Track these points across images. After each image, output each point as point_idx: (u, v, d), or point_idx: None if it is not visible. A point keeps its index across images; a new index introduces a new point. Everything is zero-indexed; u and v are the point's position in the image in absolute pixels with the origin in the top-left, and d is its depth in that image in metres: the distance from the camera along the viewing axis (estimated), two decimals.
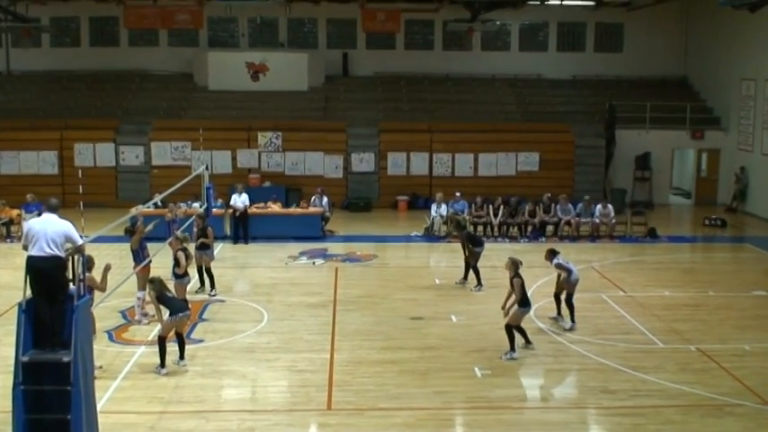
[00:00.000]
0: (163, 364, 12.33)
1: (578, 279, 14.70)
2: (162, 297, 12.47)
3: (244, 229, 22.48)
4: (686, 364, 13.00)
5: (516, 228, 23.58)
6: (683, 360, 13.16)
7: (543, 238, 23.05)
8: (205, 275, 16.91)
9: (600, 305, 16.06)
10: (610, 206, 23.86)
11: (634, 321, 15.15)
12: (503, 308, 13.59)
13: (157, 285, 12.48)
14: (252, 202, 23.24)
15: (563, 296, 14.85)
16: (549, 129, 30.10)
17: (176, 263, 14.58)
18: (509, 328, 13.13)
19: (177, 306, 12.54)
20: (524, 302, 13.32)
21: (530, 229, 23.44)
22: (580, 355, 13.35)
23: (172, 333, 12.45)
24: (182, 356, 12.60)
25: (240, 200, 22.58)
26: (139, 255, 14.85)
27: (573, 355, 13.36)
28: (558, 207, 23.59)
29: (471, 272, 17.79)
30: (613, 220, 23.50)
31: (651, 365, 12.82)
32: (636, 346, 13.83)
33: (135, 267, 14.74)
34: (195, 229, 17.47)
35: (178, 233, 15.62)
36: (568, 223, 23.39)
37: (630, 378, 12.30)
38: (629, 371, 12.57)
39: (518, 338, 13.25)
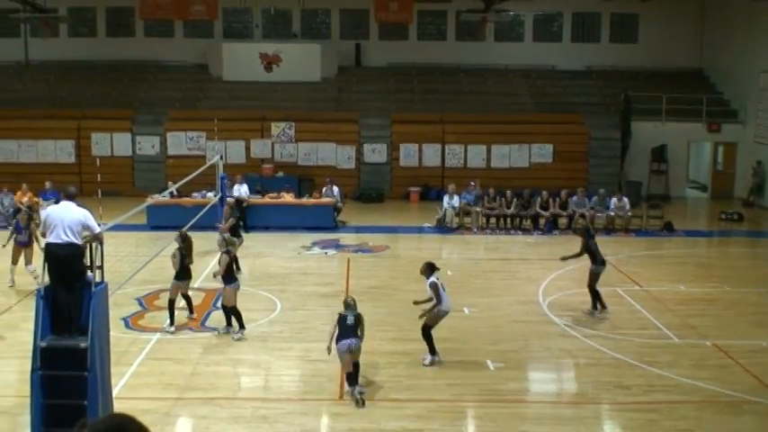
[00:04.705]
0: (242, 326, 13.43)
1: (447, 311, 12.53)
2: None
3: (243, 219, 22.47)
4: (702, 359, 12.93)
5: (529, 220, 23.54)
6: (698, 356, 13.08)
7: (556, 231, 23.03)
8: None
9: (615, 299, 16.00)
10: (625, 199, 23.77)
11: (649, 316, 15.10)
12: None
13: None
14: (265, 192, 23.28)
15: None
16: (562, 120, 30.03)
17: (226, 267, 13.60)
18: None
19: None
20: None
21: (543, 221, 23.39)
22: (594, 349, 13.32)
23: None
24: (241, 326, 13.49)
25: (241, 190, 22.63)
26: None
27: (587, 350, 13.33)
28: (574, 199, 23.50)
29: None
30: (629, 214, 23.41)
31: (666, 361, 12.76)
32: (651, 341, 13.77)
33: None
34: (223, 220, 17.90)
35: (226, 235, 14.75)
36: (582, 216, 23.32)
37: (645, 373, 12.25)
38: (644, 366, 12.51)
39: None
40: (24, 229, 16.74)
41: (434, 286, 12.29)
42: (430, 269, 12.52)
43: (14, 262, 16.59)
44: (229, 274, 13.57)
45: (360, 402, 10.88)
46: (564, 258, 15.59)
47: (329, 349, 11.23)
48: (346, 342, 11.13)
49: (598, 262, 14.95)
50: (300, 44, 32.29)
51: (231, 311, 13.46)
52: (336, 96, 31.77)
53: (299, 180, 27.35)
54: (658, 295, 16.56)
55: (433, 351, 12.37)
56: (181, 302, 14.47)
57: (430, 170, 29.26)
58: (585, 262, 15.30)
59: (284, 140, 29.22)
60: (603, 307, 14.99)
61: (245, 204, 22.49)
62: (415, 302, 12.77)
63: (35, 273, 15.57)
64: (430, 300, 12.36)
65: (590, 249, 14.98)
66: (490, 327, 14.42)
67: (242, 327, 13.39)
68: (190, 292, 14.61)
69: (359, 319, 11.47)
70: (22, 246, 16.57)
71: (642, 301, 16.07)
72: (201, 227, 18.19)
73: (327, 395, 11.32)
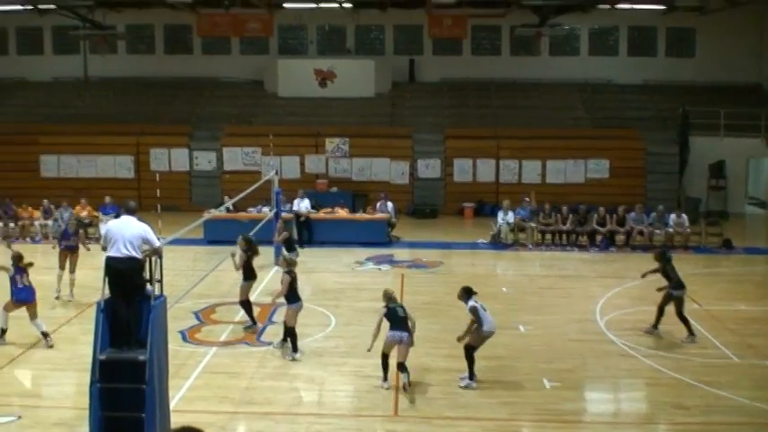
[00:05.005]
0: (295, 349, 13.30)
1: (491, 331, 12.25)
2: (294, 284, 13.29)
3: (308, 233, 22.74)
4: (762, 380, 12.59)
5: (586, 236, 23.24)
6: (759, 376, 12.75)
7: (613, 248, 22.70)
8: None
9: (674, 318, 15.64)
10: (684, 215, 23.33)
11: (708, 335, 14.72)
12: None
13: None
14: (319, 207, 23.44)
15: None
16: (619, 135, 29.73)
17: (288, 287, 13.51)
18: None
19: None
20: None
21: (599, 238, 23.08)
22: (653, 369, 13.04)
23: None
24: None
25: (302, 205, 22.86)
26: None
27: (645, 370, 13.06)
28: (632, 216, 23.15)
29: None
30: (687, 230, 22.98)
31: (726, 381, 12.42)
32: (710, 360, 13.44)
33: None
34: (276, 233, 18.11)
35: (288, 255, 14.77)
36: (641, 233, 22.94)
37: (704, 394, 11.95)
38: (704, 386, 12.21)
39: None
40: (73, 235, 17.03)
41: (474, 310, 12.11)
42: (467, 294, 12.30)
43: (62, 267, 16.88)
44: (292, 294, 13.49)
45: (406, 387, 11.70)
46: (644, 275, 15.32)
47: (371, 347, 11.85)
48: (398, 333, 11.77)
49: (675, 285, 14.60)
50: (354, 60, 32.50)
51: (290, 333, 13.42)
52: (390, 112, 31.86)
53: (352, 195, 27.46)
54: (717, 314, 16.17)
55: (472, 375, 12.18)
56: (239, 315, 14.58)
57: (484, 185, 29.13)
58: (650, 280, 15.04)
59: (338, 156, 29.40)
60: (691, 334, 14.45)
61: (302, 219, 22.68)
62: (459, 339, 12.39)
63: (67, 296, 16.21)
64: (480, 323, 12.17)
65: (667, 273, 14.69)
66: (546, 345, 14.22)
67: (294, 350, 13.37)
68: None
69: (405, 311, 12.08)
70: (69, 251, 16.86)
71: (701, 319, 15.66)
72: (257, 241, 18.28)
73: (382, 411, 11.27)
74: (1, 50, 34.01)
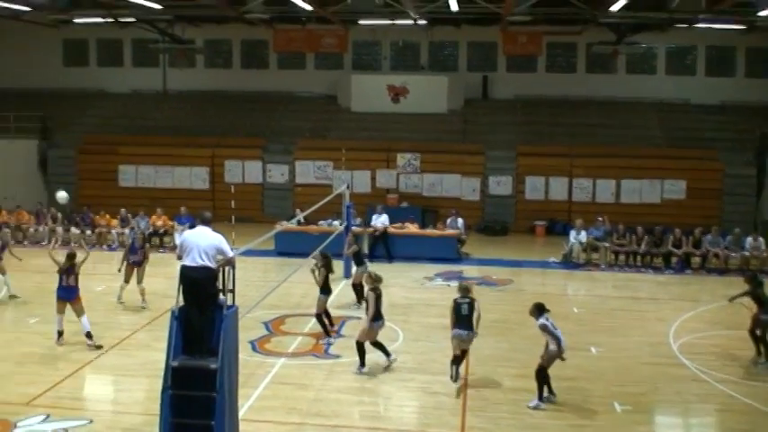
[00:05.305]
0: (363, 364, 13.22)
1: (560, 350, 11.98)
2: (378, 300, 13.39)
3: (386, 249, 22.83)
4: None
5: (660, 258, 22.75)
6: None
7: (689, 271, 22.18)
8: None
9: (749, 344, 15.18)
10: (761, 239, 22.65)
11: None
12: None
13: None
14: (389, 222, 23.52)
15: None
16: (696, 155, 29.06)
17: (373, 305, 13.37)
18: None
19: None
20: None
21: (674, 260, 22.56)
22: (726, 395, 12.65)
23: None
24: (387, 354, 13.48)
25: (380, 220, 22.97)
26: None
27: (719, 395, 12.68)
28: (708, 238, 22.61)
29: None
30: (764, 254, 22.33)
31: None
32: None
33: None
34: (346, 246, 18.32)
35: (373, 273, 14.29)
36: (716, 255, 22.37)
37: None
38: None
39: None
40: (139, 249, 17.39)
41: (544, 328, 11.92)
42: (539, 311, 12.11)
43: (127, 281, 17.24)
44: (376, 311, 13.38)
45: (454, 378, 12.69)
46: (732, 299, 14.96)
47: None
48: (458, 332, 12.69)
49: (766, 309, 14.17)
50: (428, 76, 32.59)
51: (360, 347, 13.32)
52: (462, 128, 31.80)
53: (422, 211, 27.44)
54: None
55: (541, 396, 11.98)
56: (307, 327, 14.66)
57: (556, 204, 28.83)
58: (725, 302, 14.62)
59: (409, 171, 29.47)
60: (760, 355, 14.12)
61: (376, 233, 22.78)
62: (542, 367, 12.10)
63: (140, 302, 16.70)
64: (556, 340, 11.97)
65: (758, 297, 14.28)
66: (618, 367, 13.93)
67: (362, 365, 13.33)
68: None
69: (472, 306, 12.75)
70: (136, 265, 17.22)
71: None
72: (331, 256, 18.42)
73: (448, 429, 11.17)
74: (82, 62, 35.04)
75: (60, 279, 14.37)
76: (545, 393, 12.01)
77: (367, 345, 13.27)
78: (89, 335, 14.22)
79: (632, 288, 20.70)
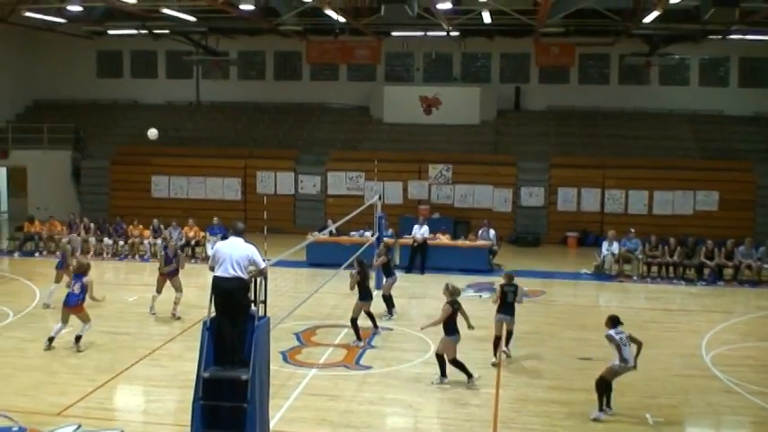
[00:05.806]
0: (470, 376, 13.23)
1: (625, 365, 11.82)
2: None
3: (422, 260, 22.86)
4: None
5: (693, 270, 22.55)
6: None
7: (721, 282, 21.95)
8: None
9: None
10: None
11: None
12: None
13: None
14: None
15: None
16: (729, 167, 28.78)
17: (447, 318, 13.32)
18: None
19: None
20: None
21: (707, 271, 22.35)
22: (759, 407, 12.50)
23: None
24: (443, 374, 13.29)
25: (420, 231, 23.06)
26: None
27: (751, 407, 12.52)
28: (740, 250, 22.38)
29: None
30: None
31: None
32: None
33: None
34: (376, 257, 18.27)
35: (451, 286, 13.74)
36: (749, 267, 22.13)
37: None
38: None
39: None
40: (173, 258, 17.52)
41: (610, 338, 11.88)
42: (612, 322, 12.04)
43: (159, 291, 17.34)
44: (451, 325, 13.25)
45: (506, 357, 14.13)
46: None
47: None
48: (503, 316, 14.42)
49: None
50: (460, 87, 32.66)
51: (441, 361, 13.26)
52: (494, 139, 31.78)
53: (454, 222, 27.45)
54: None
55: (601, 407, 11.89)
56: (338, 338, 14.69)
57: (589, 215, 28.69)
58: (758, 314, 14.44)
59: (441, 182, 29.51)
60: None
61: (415, 244, 22.84)
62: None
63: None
64: (618, 353, 11.85)
65: None
66: (650, 379, 13.79)
67: (443, 375, 13.25)
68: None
69: (515, 293, 14.37)
70: (169, 276, 17.31)
71: None
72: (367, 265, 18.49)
73: None
74: (116, 73, 35.60)
75: (70, 286, 14.72)
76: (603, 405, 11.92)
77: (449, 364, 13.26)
78: (78, 338, 14.53)
79: (664, 300, 20.53)
